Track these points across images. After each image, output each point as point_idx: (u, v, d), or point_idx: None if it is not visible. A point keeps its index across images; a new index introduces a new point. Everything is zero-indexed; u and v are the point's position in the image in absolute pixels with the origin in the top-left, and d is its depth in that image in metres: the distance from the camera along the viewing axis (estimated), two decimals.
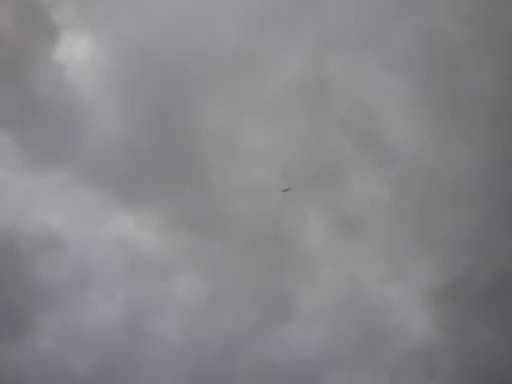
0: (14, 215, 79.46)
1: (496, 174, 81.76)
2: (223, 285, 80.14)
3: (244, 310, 79.71)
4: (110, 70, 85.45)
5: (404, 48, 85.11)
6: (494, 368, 77.17)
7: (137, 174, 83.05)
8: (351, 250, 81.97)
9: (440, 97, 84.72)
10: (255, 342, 78.45)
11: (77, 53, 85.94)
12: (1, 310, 75.77)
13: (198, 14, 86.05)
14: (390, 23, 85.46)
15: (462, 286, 79.95)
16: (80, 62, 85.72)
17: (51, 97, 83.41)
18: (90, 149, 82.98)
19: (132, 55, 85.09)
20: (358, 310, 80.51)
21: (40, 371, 74.99)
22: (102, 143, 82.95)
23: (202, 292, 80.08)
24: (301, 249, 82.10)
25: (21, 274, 77.46)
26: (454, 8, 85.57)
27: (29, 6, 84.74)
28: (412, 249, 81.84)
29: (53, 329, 76.73)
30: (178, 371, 76.60)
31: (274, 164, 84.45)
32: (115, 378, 76.07)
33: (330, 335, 79.34)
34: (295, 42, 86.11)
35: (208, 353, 77.65)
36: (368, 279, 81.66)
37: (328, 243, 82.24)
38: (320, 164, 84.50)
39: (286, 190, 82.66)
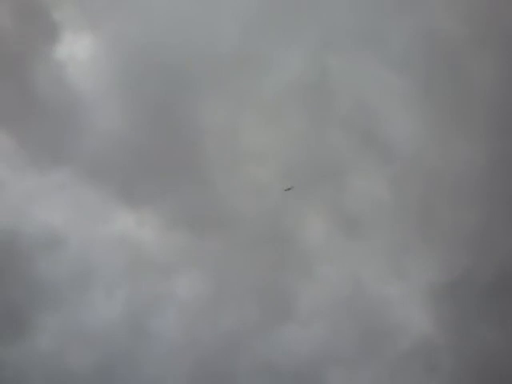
0: (15, 214, 79.52)
1: (496, 173, 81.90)
2: (224, 284, 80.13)
3: (244, 309, 79.72)
4: (111, 69, 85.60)
5: (404, 47, 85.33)
6: (494, 367, 77.16)
7: (137, 172, 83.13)
8: (352, 249, 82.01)
9: (440, 96, 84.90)
10: (255, 341, 78.44)
11: (77, 52, 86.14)
12: (1, 309, 75.66)
13: (198, 13, 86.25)
14: (390, 23, 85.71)
15: (462, 285, 79.95)
16: (80, 61, 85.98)
17: (51, 96, 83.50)
18: (91, 147, 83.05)
19: (132, 54, 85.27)
20: (358, 309, 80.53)
21: (40, 370, 74.90)
22: (102, 142, 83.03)
23: (202, 291, 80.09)
24: (301, 248, 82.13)
25: (21, 273, 77.41)
26: (454, 7, 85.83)
27: (29, 4, 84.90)
28: (412, 248, 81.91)
29: (53, 328, 76.64)
30: (178, 370, 76.53)
31: (274, 163, 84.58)
32: (115, 377, 75.99)
33: (330, 334, 79.35)
34: (295, 41, 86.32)
35: (208, 352, 77.62)
36: (368, 278, 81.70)
37: (328, 242, 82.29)
38: (320, 163, 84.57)
39: (288, 189, 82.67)
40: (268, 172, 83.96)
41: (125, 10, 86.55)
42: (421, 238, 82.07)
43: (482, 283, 79.81)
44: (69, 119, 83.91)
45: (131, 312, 78.55)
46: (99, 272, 79.69)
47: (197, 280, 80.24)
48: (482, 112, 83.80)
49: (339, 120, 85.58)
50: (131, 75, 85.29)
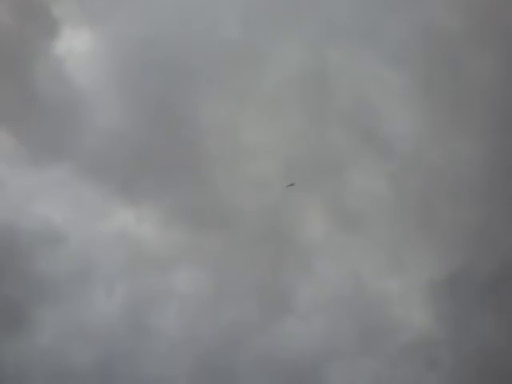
0: (15, 210, 79.44)
1: (496, 168, 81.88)
2: (223, 279, 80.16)
3: (244, 305, 79.76)
4: (110, 65, 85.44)
5: (404, 44, 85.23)
6: (493, 362, 77.25)
7: (137, 169, 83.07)
8: (351, 244, 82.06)
9: (440, 91, 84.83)
10: (255, 337, 78.47)
11: (76, 47, 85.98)
12: (1, 304, 75.69)
13: (197, 9, 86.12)
14: (389, 19, 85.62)
15: (462, 281, 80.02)
16: (80, 56, 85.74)
17: (51, 91, 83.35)
18: (90, 143, 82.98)
19: (131, 50, 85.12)
20: (357, 304, 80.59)
21: (40, 366, 74.89)
22: (101, 138, 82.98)
23: (202, 287, 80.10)
24: (301, 244, 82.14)
25: (21, 270, 77.27)
26: (454, 4, 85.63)
27: (28, 0, 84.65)
28: (412, 244, 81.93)
29: (53, 324, 76.60)
30: (177, 366, 76.52)
31: (274, 160, 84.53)
32: (115, 373, 75.95)
33: (329, 330, 79.40)
34: (295, 36, 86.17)
35: (208, 346, 77.68)
36: (368, 274, 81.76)
37: (328, 239, 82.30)
38: (320, 160, 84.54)
39: (290, 186, 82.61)
40: (267, 168, 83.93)
41: (124, 6, 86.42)
42: (420, 235, 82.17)
43: (481, 279, 79.89)
44: (68, 115, 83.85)
45: (131, 308, 78.59)
46: (99, 268, 79.71)
47: (197, 276, 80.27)
48: (481, 109, 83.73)
49: (339, 117, 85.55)
50: (130, 71, 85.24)
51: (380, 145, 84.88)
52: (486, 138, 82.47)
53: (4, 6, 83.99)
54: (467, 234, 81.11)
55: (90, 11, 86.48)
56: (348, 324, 79.75)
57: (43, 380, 74.46)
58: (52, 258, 78.24)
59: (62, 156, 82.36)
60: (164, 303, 79.14)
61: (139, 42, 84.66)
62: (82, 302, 77.95)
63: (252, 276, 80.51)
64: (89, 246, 79.89)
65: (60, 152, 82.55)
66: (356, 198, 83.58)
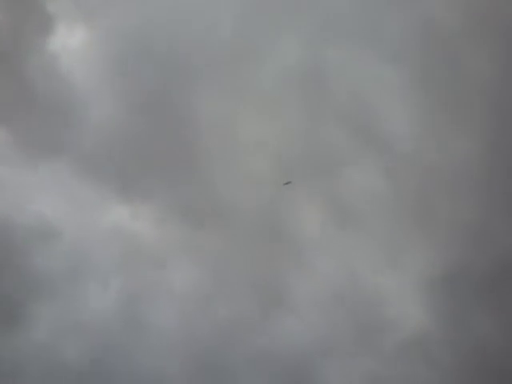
0: (10, 206, 79.19)
1: (494, 165, 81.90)
2: (219, 275, 80.00)
3: (240, 301, 79.58)
4: (105, 62, 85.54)
5: (402, 41, 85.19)
6: (491, 358, 77.19)
7: (132, 164, 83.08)
8: (348, 241, 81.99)
9: (437, 88, 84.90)
10: (252, 332, 78.33)
11: (71, 44, 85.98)
12: None
13: (194, 4, 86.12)
14: (388, 16, 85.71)
15: (459, 278, 79.95)
16: (75, 53, 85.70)
17: (46, 87, 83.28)
18: (85, 140, 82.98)
19: (126, 46, 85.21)
20: (353, 301, 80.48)
21: (36, 361, 74.66)
22: (97, 134, 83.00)
23: (197, 283, 79.96)
24: (297, 239, 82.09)
25: (16, 265, 77.10)
26: (452, 1, 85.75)
27: None
28: (409, 241, 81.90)
29: (48, 319, 76.47)
30: (174, 360, 76.39)
31: (270, 155, 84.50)
32: (111, 368, 75.74)
33: (326, 326, 79.32)
34: (294, 35, 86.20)
35: (204, 342, 77.52)
36: (364, 270, 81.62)
37: (325, 234, 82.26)
38: (317, 155, 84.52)
39: (287, 184, 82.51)
40: (264, 165, 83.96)
41: (119, 3, 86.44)
42: (417, 231, 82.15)
43: (478, 277, 79.80)
44: (63, 111, 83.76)
45: (126, 303, 78.48)
46: (94, 264, 79.66)
47: (192, 272, 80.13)
48: (480, 108, 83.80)
49: (338, 116, 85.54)
50: (125, 66, 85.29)
51: (378, 143, 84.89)
52: (485, 137, 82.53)
53: None
54: (465, 232, 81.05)
55: (85, 8, 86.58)
56: (345, 321, 79.64)
57: (39, 375, 74.21)
58: (47, 253, 78.13)
59: (56, 152, 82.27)
60: (159, 299, 79.02)
61: (134, 38, 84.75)
62: (78, 297, 77.84)
63: (249, 273, 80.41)
64: (84, 242, 79.89)
65: (55, 148, 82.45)
66: (354, 196, 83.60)
